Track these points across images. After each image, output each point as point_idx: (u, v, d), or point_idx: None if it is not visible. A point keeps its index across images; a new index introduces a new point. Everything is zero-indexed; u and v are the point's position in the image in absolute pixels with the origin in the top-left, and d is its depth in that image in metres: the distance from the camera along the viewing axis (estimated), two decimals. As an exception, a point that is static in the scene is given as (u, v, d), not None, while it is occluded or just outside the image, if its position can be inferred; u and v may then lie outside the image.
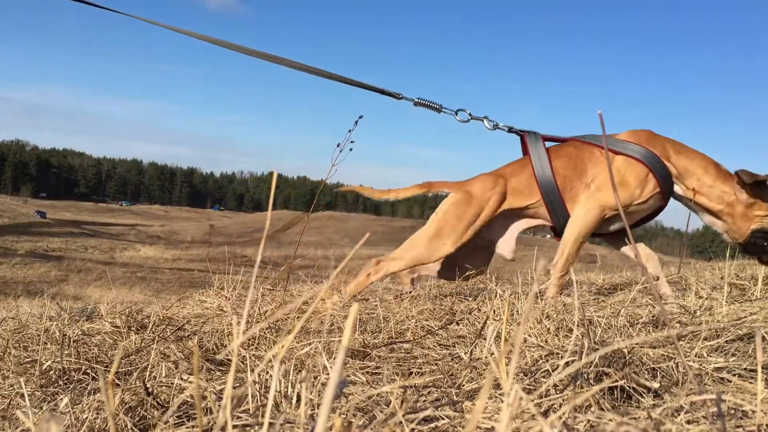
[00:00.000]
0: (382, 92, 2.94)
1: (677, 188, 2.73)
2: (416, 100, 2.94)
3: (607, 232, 2.81)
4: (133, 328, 2.18)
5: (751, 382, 1.25)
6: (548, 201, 2.68)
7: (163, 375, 1.52)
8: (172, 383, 1.43)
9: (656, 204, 2.73)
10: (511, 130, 2.90)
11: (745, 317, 1.86)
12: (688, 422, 1.02)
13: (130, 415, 1.24)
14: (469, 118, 2.94)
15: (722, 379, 1.34)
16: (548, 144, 2.80)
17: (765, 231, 2.58)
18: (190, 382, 1.43)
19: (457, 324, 2.02)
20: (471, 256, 2.84)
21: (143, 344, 1.91)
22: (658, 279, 2.74)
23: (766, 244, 2.59)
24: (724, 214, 2.65)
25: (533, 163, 2.71)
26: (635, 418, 1.07)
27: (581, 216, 2.64)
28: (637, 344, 1.52)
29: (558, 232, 2.75)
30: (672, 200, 2.78)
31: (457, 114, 2.95)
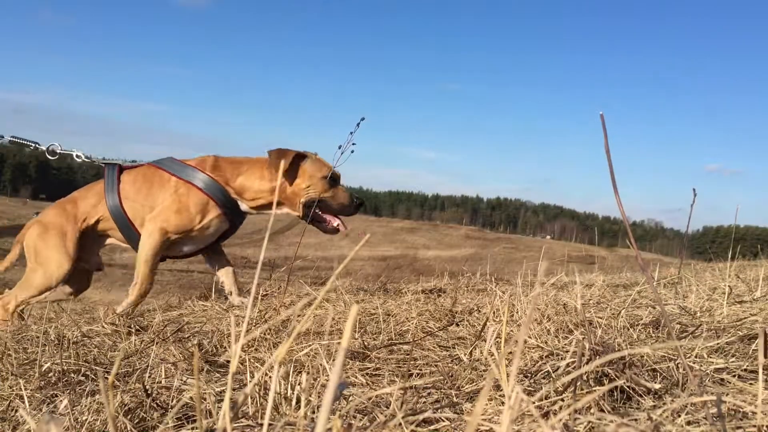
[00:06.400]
0: None
1: (242, 206, 2.90)
2: (11, 138, 3.11)
3: (181, 255, 2.98)
4: (132, 330, 2.17)
5: (751, 384, 1.25)
6: (120, 228, 2.86)
7: (163, 376, 1.52)
8: (172, 385, 1.43)
9: (222, 227, 2.89)
10: (94, 161, 3.11)
11: (745, 318, 1.85)
12: (688, 423, 1.02)
13: (129, 417, 1.24)
14: (59, 152, 3.10)
15: (722, 380, 1.33)
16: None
17: (312, 200, 2.82)
18: (190, 384, 1.43)
19: (457, 325, 2.02)
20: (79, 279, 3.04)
21: (143, 346, 1.90)
22: (231, 294, 2.95)
23: (318, 211, 2.84)
24: (282, 202, 2.87)
25: (106, 193, 2.86)
26: (635, 420, 1.07)
27: (144, 239, 2.78)
28: (639, 350, 1.51)
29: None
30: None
31: (47, 151, 3.09)
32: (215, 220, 2.84)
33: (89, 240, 2.94)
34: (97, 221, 2.89)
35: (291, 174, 2.82)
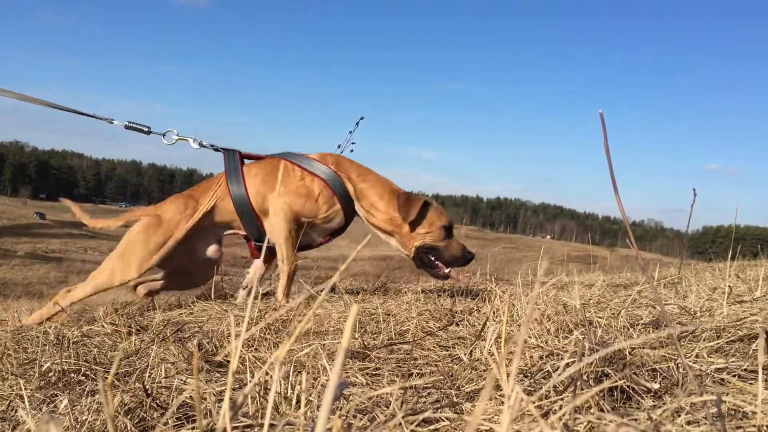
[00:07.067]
0: (94, 116, 3.07)
1: (357, 208, 2.90)
2: (126, 123, 3.08)
3: (313, 245, 2.97)
4: (132, 330, 2.17)
5: (751, 383, 1.25)
6: (241, 216, 2.84)
7: (163, 376, 1.52)
8: (172, 385, 1.43)
9: (339, 222, 2.91)
10: (214, 148, 3.05)
11: (745, 318, 1.85)
12: (688, 423, 1.02)
13: (129, 416, 1.24)
14: (176, 139, 3.08)
15: (722, 380, 1.33)
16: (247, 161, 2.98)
17: (428, 246, 2.82)
18: (190, 384, 1.43)
19: (457, 325, 2.02)
20: (202, 269, 2.99)
21: (143, 345, 1.90)
22: (246, 288, 2.96)
23: (432, 257, 2.85)
24: (394, 234, 2.87)
25: (229, 181, 2.85)
26: (635, 419, 1.07)
27: (273, 219, 2.77)
28: (637, 346, 1.51)
29: (254, 240, 2.93)
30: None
31: (164, 136, 3.07)
32: (336, 214, 2.87)
33: (203, 232, 2.91)
34: (214, 212, 2.86)
35: (415, 219, 2.85)
